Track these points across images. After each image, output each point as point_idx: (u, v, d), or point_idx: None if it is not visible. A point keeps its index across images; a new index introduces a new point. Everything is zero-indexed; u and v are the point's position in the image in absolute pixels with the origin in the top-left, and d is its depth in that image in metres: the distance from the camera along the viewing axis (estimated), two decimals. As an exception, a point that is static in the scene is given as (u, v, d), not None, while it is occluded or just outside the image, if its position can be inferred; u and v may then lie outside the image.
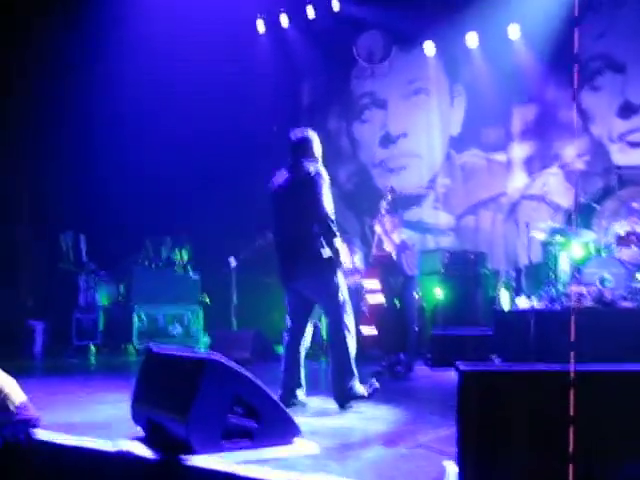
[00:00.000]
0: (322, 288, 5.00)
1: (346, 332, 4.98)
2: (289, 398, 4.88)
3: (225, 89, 11.39)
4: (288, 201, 5.08)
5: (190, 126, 11.12)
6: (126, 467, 3.21)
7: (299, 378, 5.06)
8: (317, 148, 5.25)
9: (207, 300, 11.25)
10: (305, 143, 5.20)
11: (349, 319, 5.03)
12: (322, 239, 4.97)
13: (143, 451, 3.29)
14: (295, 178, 5.08)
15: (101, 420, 4.33)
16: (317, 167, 5.09)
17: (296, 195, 5.03)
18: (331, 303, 5.01)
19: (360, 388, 4.98)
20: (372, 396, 5.01)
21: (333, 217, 5.02)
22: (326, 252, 4.94)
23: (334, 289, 4.99)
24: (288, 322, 5.19)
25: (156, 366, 3.87)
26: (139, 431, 3.71)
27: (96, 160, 11.12)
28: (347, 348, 4.96)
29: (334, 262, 4.97)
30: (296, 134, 5.24)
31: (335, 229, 5.01)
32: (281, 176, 5.21)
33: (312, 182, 4.97)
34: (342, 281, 5.07)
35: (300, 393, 5.03)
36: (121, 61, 10.81)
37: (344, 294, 5.04)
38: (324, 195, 4.98)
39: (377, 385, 5.11)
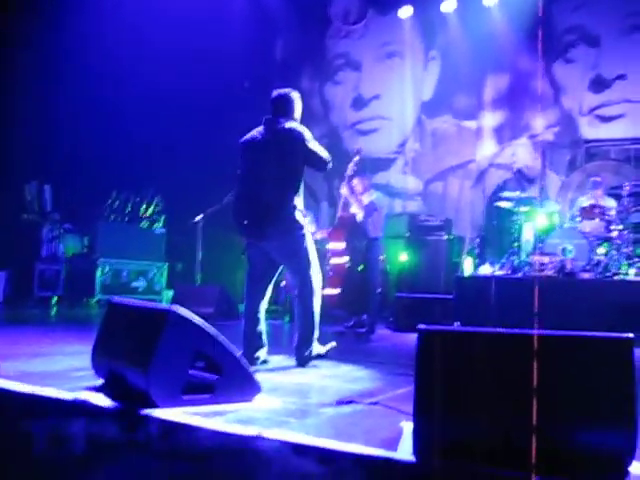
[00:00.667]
0: (292, 249, 4.94)
1: (313, 295, 4.99)
2: (251, 356, 4.89)
3: (197, 43, 11.21)
4: (265, 157, 4.93)
5: (161, 80, 10.96)
6: (83, 416, 3.20)
7: (261, 337, 5.06)
8: (298, 110, 5.17)
9: (179, 267, 11.23)
10: (287, 102, 5.09)
11: (317, 282, 5.03)
12: (297, 198, 4.94)
13: (101, 401, 3.29)
14: (276, 133, 4.95)
15: (61, 370, 4.31)
16: (300, 125, 5.05)
17: (276, 152, 4.90)
18: (300, 265, 4.97)
19: (318, 347, 5.05)
20: (328, 355, 5.08)
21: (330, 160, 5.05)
22: (300, 213, 4.93)
23: (305, 252, 4.96)
24: (249, 279, 5.13)
25: (118, 317, 3.85)
26: (99, 382, 3.70)
27: (65, 111, 10.96)
28: (312, 311, 4.99)
29: (304, 224, 4.97)
30: (280, 92, 5.13)
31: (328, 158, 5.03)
32: (257, 131, 5.09)
33: (298, 137, 4.91)
34: (311, 242, 5.05)
35: (262, 352, 5.04)
36: (91, 14, 10.58)
37: (313, 256, 5.03)
38: (314, 144, 4.96)
39: (335, 345, 5.17)
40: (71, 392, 3.43)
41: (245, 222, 4.96)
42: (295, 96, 5.15)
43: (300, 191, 5.02)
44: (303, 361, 4.97)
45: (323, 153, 5.00)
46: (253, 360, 4.88)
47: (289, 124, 4.98)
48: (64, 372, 4.20)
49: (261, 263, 5.09)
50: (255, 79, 12.66)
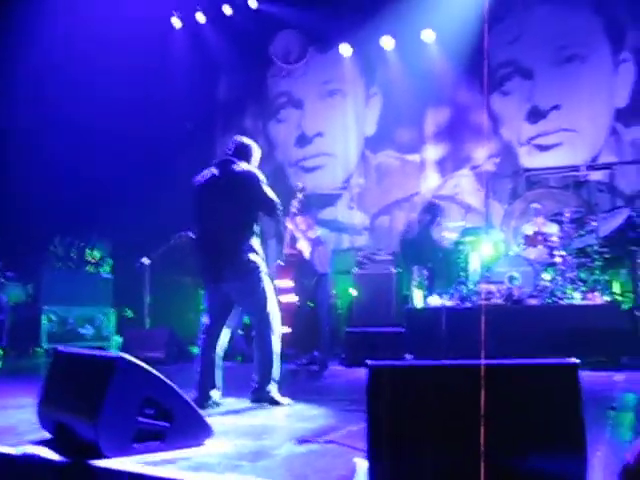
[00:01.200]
0: (250, 291, 4.93)
1: (271, 335, 4.98)
2: (204, 399, 4.82)
3: (140, 86, 11.21)
4: (219, 199, 4.90)
5: (102, 123, 10.89)
6: (31, 471, 3.10)
7: (214, 379, 5.00)
8: (256, 159, 5.21)
9: (129, 313, 11.06)
10: (246, 151, 5.14)
11: (276, 321, 5.03)
12: (253, 239, 4.94)
13: (50, 454, 3.20)
14: (231, 175, 4.94)
15: (5, 425, 4.18)
16: (254, 168, 5.07)
17: (233, 192, 4.88)
18: (259, 306, 4.97)
19: (277, 395, 4.98)
20: (280, 405, 4.95)
21: (280, 207, 5.03)
22: (256, 255, 4.93)
23: (262, 292, 4.95)
24: (206, 321, 5.08)
25: (64, 367, 3.76)
26: (46, 435, 3.59)
27: (5, 155, 10.76)
28: (271, 350, 4.97)
29: (262, 265, 4.97)
30: (240, 139, 5.18)
31: (284, 219, 5.09)
32: (209, 173, 5.08)
33: (255, 180, 4.92)
34: (268, 282, 5.04)
35: (215, 394, 4.97)
36: (36, 56, 10.51)
37: (271, 296, 5.02)
38: (268, 189, 4.96)
39: (291, 402, 5.02)
40: (17, 447, 3.32)
41: (205, 265, 5.00)
42: (255, 147, 5.21)
43: (256, 232, 5.00)
44: (260, 399, 4.92)
45: (275, 199, 5.00)
46: (206, 402, 4.81)
47: (244, 166, 5.00)
48: (9, 427, 4.07)
49: (218, 305, 5.05)
50: (198, 119, 12.68)
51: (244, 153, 5.11)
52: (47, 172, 10.63)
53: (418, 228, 11.52)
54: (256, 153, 5.21)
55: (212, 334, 5.06)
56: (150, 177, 11.13)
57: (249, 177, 4.93)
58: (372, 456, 2.42)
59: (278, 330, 5.06)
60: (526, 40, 11.30)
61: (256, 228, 5.00)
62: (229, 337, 5.21)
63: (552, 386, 2.41)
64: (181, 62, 12.33)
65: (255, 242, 4.96)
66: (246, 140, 5.19)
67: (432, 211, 11.04)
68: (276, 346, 5.01)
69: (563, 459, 2.35)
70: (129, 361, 3.21)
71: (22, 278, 10.85)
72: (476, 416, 2.38)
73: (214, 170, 5.07)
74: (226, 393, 5.17)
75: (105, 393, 3.08)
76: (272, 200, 4.97)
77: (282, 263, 8.08)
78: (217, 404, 4.95)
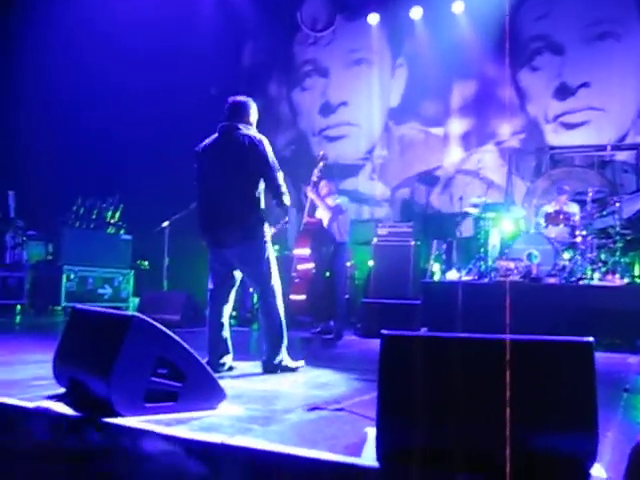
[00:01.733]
0: (253, 258, 4.93)
1: (275, 301, 4.99)
2: (216, 363, 4.86)
3: (164, 48, 11.16)
4: (224, 163, 4.87)
5: (127, 84, 10.88)
6: (45, 424, 3.15)
7: (226, 344, 5.02)
8: (254, 116, 5.11)
9: (145, 265, 11.11)
10: (243, 109, 5.03)
11: (278, 290, 5.03)
12: (258, 206, 4.91)
13: (63, 409, 3.24)
14: (234, 141, 4.87)
15: (22, 379, 4.24)
16: (257, 132, 5.00)
17: (236, 158, 4.84)
18: (263, 275, 4.97)
19: (289, 361, 5.02)
20: (296, 371, 5.01)
21: (284, 184, 4.98)
22: (260, 221, 4.92)
23: (267, 260, 4.96)
24: (210, 286, 5.09)
25: (81, 325, 3.79)
26: (61, 391, 3.64)
27: (28, 117, 10.81)
28: (278, 320, 4.99)
29: (265, 232, 4.95)
30: (235, 98, 5.07)
31: (286, 192, 4.98)
32: (214, 138, 5.05)
33: (258, 147, 4.85)
34: (271, 250, 5.04)
35: (227, 358, 5.00)
36: (57, 16, 10.48)
37: (273, 263, 5.02)
38: (273, 161, 4.93)
39: (303, 364, 5.12)
40: (32, 401, 3.37)
41: (208, 230, 4.98)
42: (251, 103, 5.10)
43: (261, 199, 4.96)
44: (271, 369, 4.94)
45: (276, 171, 4.94)
46: (218, 367, 4.84)
47: (247, 131, 4.94)
48: (25, 381, 4.13)
49: (222, 270, 5.06)
50: (222, 85, 12.61)
51: (242, 112, 5.02)
52: (72, 134, 10.67)
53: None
54: (253, 109, 5.10)
55: (217, 299, 5.07)
56: (173, 141, 11.11)
57: (254, 144, 4.86)
58: (381, 425, 2.42)
59: (280, 299, 5.05)
60: (558, 15, 11.09)
61: (260, 195, 4.94)
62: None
63: (567, 363, 2.39)
64: (208, 26, 12.23)
65: (260, 210, 4.94)
66: (241, 98, 5.08)
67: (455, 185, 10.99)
68: (282, 315, 5.02)
69: (574, 437, 2.34)
70: (144, 320, 3.23)
71: (43, 237, 10.95)
72: (489, 390, 2.38)
73: (215, 136, 5.04)
74: (241, 357, 5.21)
75: (119, 351, 3.11)
76: (275, 174, 4.92)
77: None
78: (230, 368, 4.99)
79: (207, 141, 5.08)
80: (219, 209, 4.91)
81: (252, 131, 4.98)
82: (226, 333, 5.04)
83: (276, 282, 5.03)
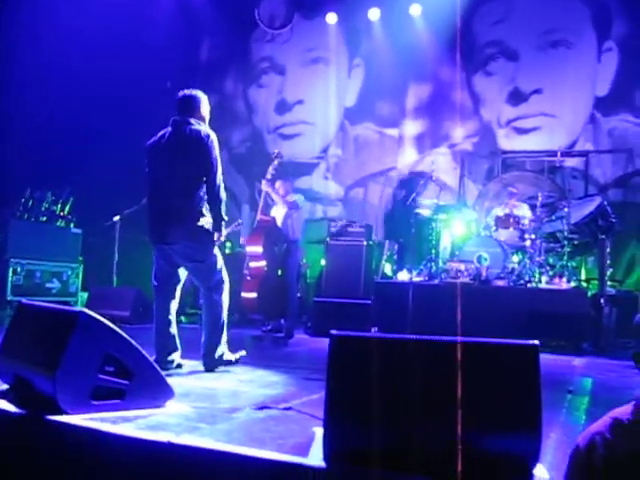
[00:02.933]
0: (195, 254, 4.88)
1: (219, 298, 4.95)
2: (164, 361, 4.81)
3: (122, 40, 10.99)
4: (172, 159, 4.82)
5: (82, 75, 10.68)
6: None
7: (174, 341, 4.98)
8: (205, 109, 5.05)
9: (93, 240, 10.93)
10: (193, 102, 4.97)
11: (224, 287, 5.00)
12: (203, 204, 4.86)
13: (6, 406, 3.17)
14: (183, 136, 4.83)
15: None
16: (207, 128, 4.94)
17: (183, 154, 4.79)
18: (207, 272, 4.94)
19: (229, 354, 5.01)
20: (237, 362, 5.03)
21: (222, 183, 4.90)
22: (206, 219, 4.86)
23: (211, 257, 4.92)
24: (155, 283, 5.05)
25: (26, 320, 3.72)
26: (5, 387, 3.56)
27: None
28: (219, 313, 4.95)
29: (212, 229, 4.88)
30: (184, 92, 5.00)
31: (223, 195, 4.90)
32: (164, 132, 4.98)
33: (205, 144, 4.78)
34: (216, 248, 4.99)
35: (175, 355, 4.96)
36: (22, 7, 10.27)
37: (219, 260, 4.98)
38: (217, 159, 4.85)
39: (244, 353, 5.13)
40: (-27, 397, 3.30)
41: (153, 225, 4.93)
42: (201, 96, 5.03)
43: (205, 196, 4.88)
44: (211, 366, 4.92)
45: (216, 169, 4.84)
46: (166, 364, 4.80)
47: (197, 126, 4.88)
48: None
49: (166, 267, 5.01)
50: (178, 80, 12.48)
51: (191, 105, 4.95)
52: (22, 123, 10.45)
53: (392, 203, 11.57)
54: (204, 103, 5.04)
55: (162, 296, 5.02)
56: (126, 134, 10.95)
57: (201, 139, 4.79)
58: (328, 425, 2.43)
59: (226, 296, 5.02)
60: (513, 22, 11.26)
61: (204, 192, 4.87)
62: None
63: (512, 366, 2.43)
64: (165, 20, 12.09)
65: (205, 206, 4.87)
66: (190, 92, 5.00)
67: (408, 186, 11.08)
68: (224, 312, 4.99)
69: (518, 438, 2.38)
70: (91, 316, 3.18)
71: (-10, 229, 10.69)
72: (435, 391, 2.40)
73: (167, 130, 4.96)
74: (189, 355, 5.17)
75: (65, 347, 3.06)
76: (216, 174, 4.83)
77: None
78: (179, 365, 4.95)
79: (157, 135, 5.01)
80: (164, 205, 4.84)
81: (202, 126, 4.91)
82: (173, 330, 5.00)
83: (222, 278, 4.99)
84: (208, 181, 4.83)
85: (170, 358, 4.90)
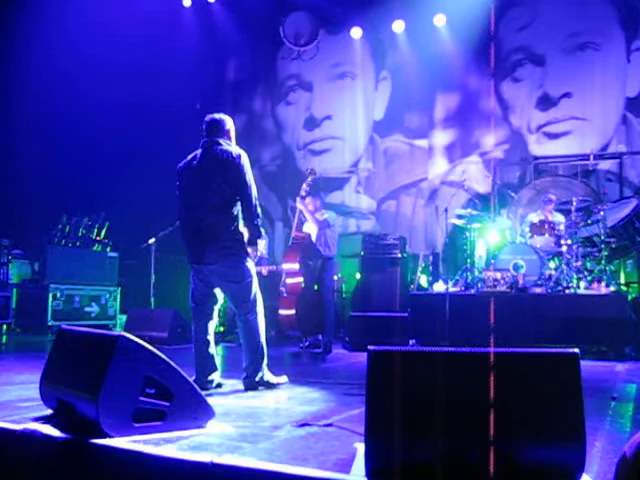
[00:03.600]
0: (232, 276, 4.90)
1: (255, 318, 4.96)
2: (204, 380, 4.84)
3: (149, 64, 11.16)
4: (204, 180, 4.87)
5: (112, 101, 10.85)
6: (32, 447, 3.12)
7: (213, 360, 5.00)
8: (231, 130, 5.11)
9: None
10: (220, 124, 5.03)
11: (259, 307, 5.00)
12: (238, 223, 4.88)
13: (51, 431, 3.21)
14: (214, 156, 4.88)
15: (8, 400, 4.20)
16: (237, 148, 4.99)
17: (215, 174, 4.82)
18: (241, 292, 4.94)
19: (270, 376, 5.00)
20: (278, 386, 5.01)
21: (257, 200, 4.93)
22: (241, 238, 4.89)
23: (245, 277, 4.92)
24: (192, 304, 5.09)
25: (67, 345, 3.77)
26: (48, 412, 3.61)
27: (13, 133, 10.75)
28: (258, 338, 4.95)
29: (248, 243, 4.90)
30: (210, 116, 5.07)
31: (259, 211, 4.93)
32: (195, 154, 5.03)
33: (237, 163, 4.82)
34: (252, 268, 4.99)
35: (215, 375, 4.98)
36: (44, 33, 10.47)
37: (253, 280, 4.98)
38: (250, 176, 4.88)
39: (286, 380, 5.11)
40: (19, 423, 3.34)
41: (189, 246, 4.97)
42: (227, 119, 5.09)
43: (239, 215, 4.91)
44: (251, 387, 4.91)
45: (251, 188, 4.88)
46: (206, 384, 4.82)
47: (227, 146, 4.95)
48: (12, 402, 4.10)
49: (203, 287, 5.03)
50: (207, 100, 12.64)
51: (218, 127, 5.01)
52: (56, 150, 10.63)
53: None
54: (230, 124, 5.10)
55: (200, 316, 5.04)
56: (158, 157, 11.09)
57: (232, 159, 4.84)
58: (369, 441, 2.42)
59: (262, 316, 5.03)
60: (538, 27, 11.21)
61: (238, 211, 4.91)
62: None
63: (552, 375, 2.40)
64: (191, 41, 12.27)
65: (239, 226, 4.90)
66: (217, 115, 5.07)
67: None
68: (262, 332, 4.99)
69: (562, 448, 2.35)
70: (130, 340, 3.21)
71: (29, 256, 10.88)
72: (476, 403, 2.38)
73: (197, 152, 5.02)
74: (229, 375, 5.19)
75: (106, 371, 3.09)
76: (251, 193, 4.86)
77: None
78: (219, 385, 4.97)
79: (188, 157, 5.07)
80: (198, 225, 4.87)
81: (232, 146, 4.98)
82: (212, 350, 5.01)
83: (257, 299, 5.00)
84: (243, 199, 4.86)
85: (210, 378, 4.92)
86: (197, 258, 4.92)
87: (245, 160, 4.88)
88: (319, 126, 12.78)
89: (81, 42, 10.71)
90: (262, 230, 4.98)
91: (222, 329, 9.31)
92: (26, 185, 10.79)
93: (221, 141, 4.94)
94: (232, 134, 5.11)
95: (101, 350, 3.25)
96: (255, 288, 5.00)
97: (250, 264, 4.97)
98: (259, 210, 4.93)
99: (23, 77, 10.69)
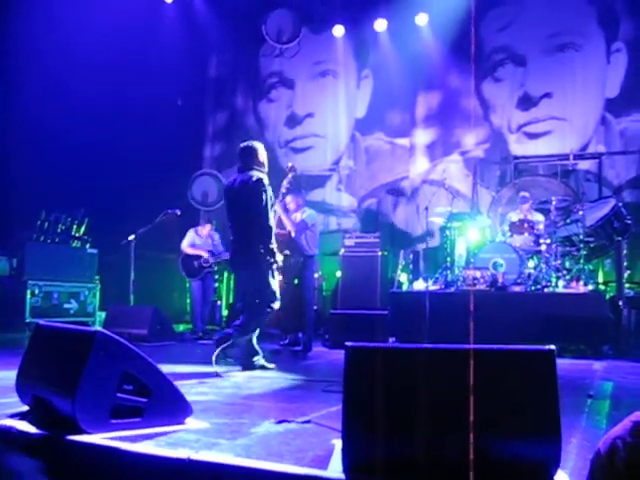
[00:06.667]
0: (258, 282, 5.82)
1: (264, 311, 5.87)
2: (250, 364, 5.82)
3: (129, 60, 11.07)
4: (237, 201, 5.91)
5: (92, 97, 10.76)
6: (8, 443, 3.10)
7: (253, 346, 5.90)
8: (262, 156, 6.00)
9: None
10: (251, 151, 5.96)
11: (268, 310, 5.90)
12: (260, 237, 5.77)
13: (27, 428, 3.19)
14: (244, 181, 5.82)
15: (-16, 397, 4.16)
16: (262, 177, 5.82)
17: (243, 198, 5.81)
18: (262, 297, 5.83)
19: (265, 363, 5.91)
20: (271, 370, 5.83)
21: (272, 225, 5.83)
22: (262, 253, 5.74)
23: (269, 286, 5.84)
24: (238, 302, 5.99)
25: (44, 341, 3.74)
26: (24, 409, 3.58)
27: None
28: (258, 317, 5.89)
29: (268, 261, 5.79)
30: (244, 144, 6.03)
31: (272, 238, 5.80)
32: (233, 176, 6.07)
33: (257, 188, 5.73)
34: (271, 277, 5.87)
35: (258, 358, 5.88)
36: (24, 29, 10.38)
37: (274, 286, 5.91)
38: (266, 201, 5.74)
39: (275, 367, 5.95)
40: (-6, 419, 3.32)
41: (232, 255, 6.12)
42: (257, 146, 6.02)
43: (265, 230, 5.75)
44: (249, 368, 5.74)
45: (267, 217, 5.79)
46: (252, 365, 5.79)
47: (255, 172, 5.85)
48: (-13, 399, 4.05)
49: (239, 287, 6.33)
50: (188, 96, 12.60)
51: (248, 156, 5.95)
52: (35, 146, 10.53)
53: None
54: (260, 151, 6.00)
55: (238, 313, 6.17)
56: (139, 153, 11.04)
57: (254, 186, 5.77)
58: (346, 437, 2.42)
59: (265, 315, 5.98)
60: (519, 27, 11.28)
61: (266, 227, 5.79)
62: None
63: (529, 372, 2.42)
64: (172, 37, 12.18)
65: (265, 239, 5.76)
66: (249, 144, 6.04)
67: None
68: (262, 319, 5.97)
69: (537, 444, 2.36)
70: (107, 335, 3.19)
71: (7, 252, 10.76)
72: (453, 400, 2.39)
73: (235, 176, 6.03)
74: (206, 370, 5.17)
75: (83, 367, 3.07)
76: (264, 220, 5.76)
77: None
78: (263, 367, 5.86)
79: (231, 179, 6.12)
80: (238, 239, 5.96)
81: (258, 173, 5.86)
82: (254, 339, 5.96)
83: (271, 306, 5.89)
84: (259, 218, 5.76)
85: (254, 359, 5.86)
86: (236, 265, 6.21)
87: (264, 186, 5.77)
88: (301, 124, 12.77)
89: (61, 38, 10.60)
90: (274, 249, 5.83)
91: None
92: (4, 181, 10.68)
93: (253, 167, 5.90)
94: (263, 159, 6.03)
95: (78, 346, 3.23)
96: (271, 293, 5.93)
97: (270, 274, 5.92)
98: (269, 230, 5.79)
99: (2, 70, 10.58)
